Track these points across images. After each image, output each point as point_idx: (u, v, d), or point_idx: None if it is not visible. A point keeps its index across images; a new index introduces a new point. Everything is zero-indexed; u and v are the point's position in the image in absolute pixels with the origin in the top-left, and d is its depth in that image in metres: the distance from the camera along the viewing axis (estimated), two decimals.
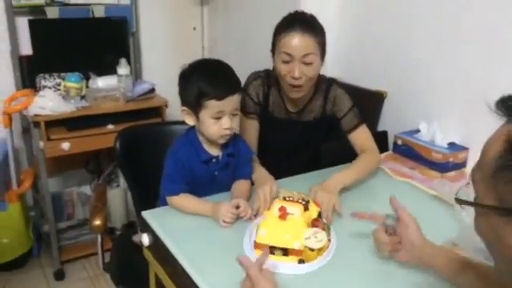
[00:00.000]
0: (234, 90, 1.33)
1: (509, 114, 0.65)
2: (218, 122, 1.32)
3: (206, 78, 1.31)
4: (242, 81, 1.51)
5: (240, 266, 0.98)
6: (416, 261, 1.09)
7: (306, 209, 1.25)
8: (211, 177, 1.44)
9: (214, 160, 1.42)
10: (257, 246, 1.14)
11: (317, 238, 1.15)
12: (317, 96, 1.66)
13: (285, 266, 1.11)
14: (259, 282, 0.93)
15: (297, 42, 1.48)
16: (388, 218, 1.12)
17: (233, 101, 1.33)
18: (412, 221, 1.09)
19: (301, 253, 1.13)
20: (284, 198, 1.27)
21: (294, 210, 1.22)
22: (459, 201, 0.73)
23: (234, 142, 1.44)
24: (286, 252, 1.13)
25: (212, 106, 1.30)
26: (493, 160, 0.64)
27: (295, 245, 1.13)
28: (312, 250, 1.13)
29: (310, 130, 1.70)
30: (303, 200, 1.27)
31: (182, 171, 1.38)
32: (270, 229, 1.16)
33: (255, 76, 1.69)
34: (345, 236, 1.26)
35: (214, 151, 1.42)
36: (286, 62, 1.51)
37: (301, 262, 1.13)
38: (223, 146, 1.42)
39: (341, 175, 1.48)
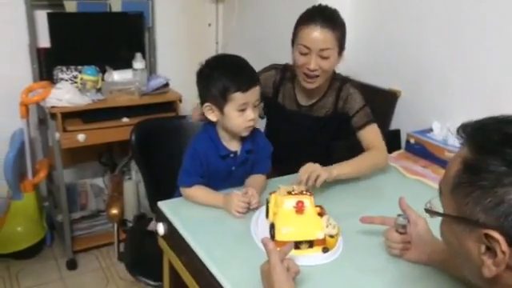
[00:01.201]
0: (255, 82, 1.37)
1: (467, 138, 0.75)
2: (243, 114, 1.35)
3: (228, 73, 1.34)
4: None
5: (264, 247, 0.99)
6: (425, 258, 1.11)
7: None
8: (228, 171, 1.46)
9: (231, 155, 1.44)
10: (280, 244, 1.09)
11: (331, 224, 1.16)
12: (330, 92, 1.68)
13: (312, 258, 1.13)
14: (276, 267, 0.95)
15: (315, 35, 1.50)
16: (400, 217, 1.13)
17: (255, 92, 1.36)
18: (421, 219, 1.11)
19: (324, 241, 1.15)
20: (289, 193, 1.23)
21: (306, 201, 1.21)
22: (427, 211, 0.85)
23: (252, 137, 1.46)
24: (311, 244, 1.15)
25: (237, 98, 1.33)
26: (452, 177, 0.75)
27: (319, 235, 1.15)
28: (332, 236, 1.15)
29: (319, 125, 1.71)
30: (306, 191, 1.25)
31: (199, 165, 1.40)
32: (291, 225, 1.15)
33: (271, 67, 1.74)
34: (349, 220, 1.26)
35: (233, 147, 1.44)
36: (304, 54, 1.53)
37: (325, 250, 1.15)
38: (242, 142, 1.44)
39: (338, 166, 1.48)
